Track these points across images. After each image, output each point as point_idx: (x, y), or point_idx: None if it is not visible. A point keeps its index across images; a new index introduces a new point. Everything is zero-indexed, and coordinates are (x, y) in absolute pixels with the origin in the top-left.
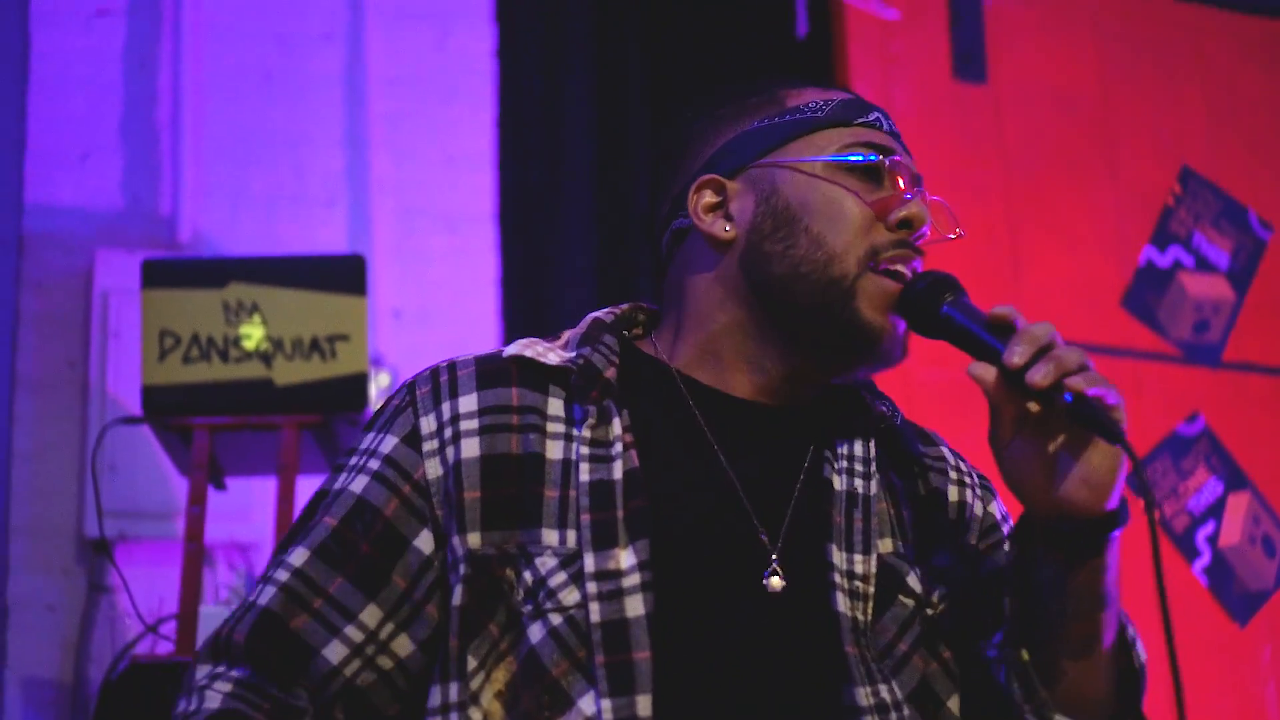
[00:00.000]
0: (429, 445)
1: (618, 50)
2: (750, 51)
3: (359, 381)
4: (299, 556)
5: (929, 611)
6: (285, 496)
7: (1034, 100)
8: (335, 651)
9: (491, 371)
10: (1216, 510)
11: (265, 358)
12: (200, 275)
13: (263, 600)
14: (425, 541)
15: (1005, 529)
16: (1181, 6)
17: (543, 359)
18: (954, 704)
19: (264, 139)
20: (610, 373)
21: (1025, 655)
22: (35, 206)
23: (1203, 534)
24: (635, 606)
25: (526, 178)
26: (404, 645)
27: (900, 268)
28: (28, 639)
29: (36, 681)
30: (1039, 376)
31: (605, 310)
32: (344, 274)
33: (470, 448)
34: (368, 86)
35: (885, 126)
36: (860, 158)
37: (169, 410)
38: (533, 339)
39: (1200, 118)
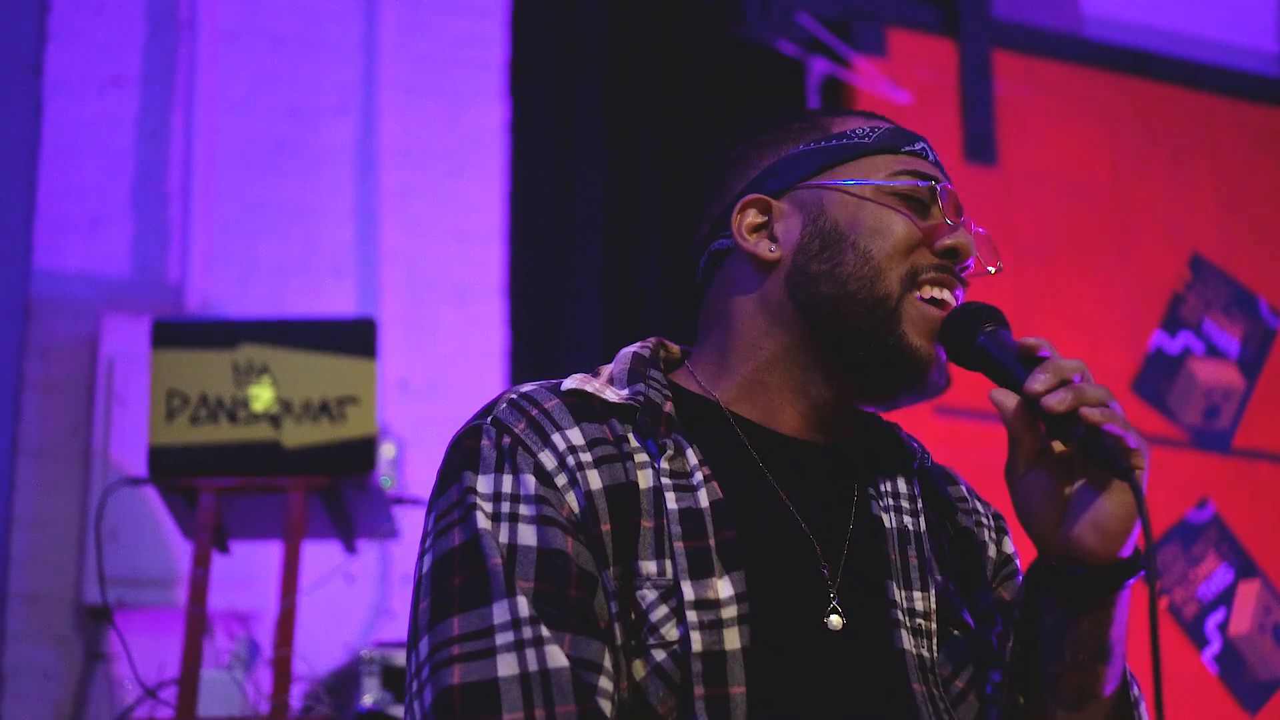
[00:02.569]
0: (560, 480)
1: (629, 128)
2: None
3: (368, 445)
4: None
5: (980, 648)
6: (291, 560)
7: (1045, 185)
8: (606, 707)
9: (580, 406)
10: (1227, 598)
11: (274, 419)
12: (210, 336)
13: (516, 671)
14: (604, 576)
15: (1015, 563)
16: (1193, 96)
17: (603, 394)
18: None
19: (274, 209)
20: (669, 407)
21: (1021, 700)
22: (43, 272)
23: (1213, 621)
24: (733, 640)
25: (536, 252)
26: (632, 678)
27: (943, 293)
28: (22, 708)
29: None
30: (1055, 401)
31: (638, 345)
32: (355, 337)
33: (594, 479)
34: (379, 160)
35: (931, 157)
36: (910, 183)
37: (175, 471)
38: (584, 376)
39: (1211, 206)
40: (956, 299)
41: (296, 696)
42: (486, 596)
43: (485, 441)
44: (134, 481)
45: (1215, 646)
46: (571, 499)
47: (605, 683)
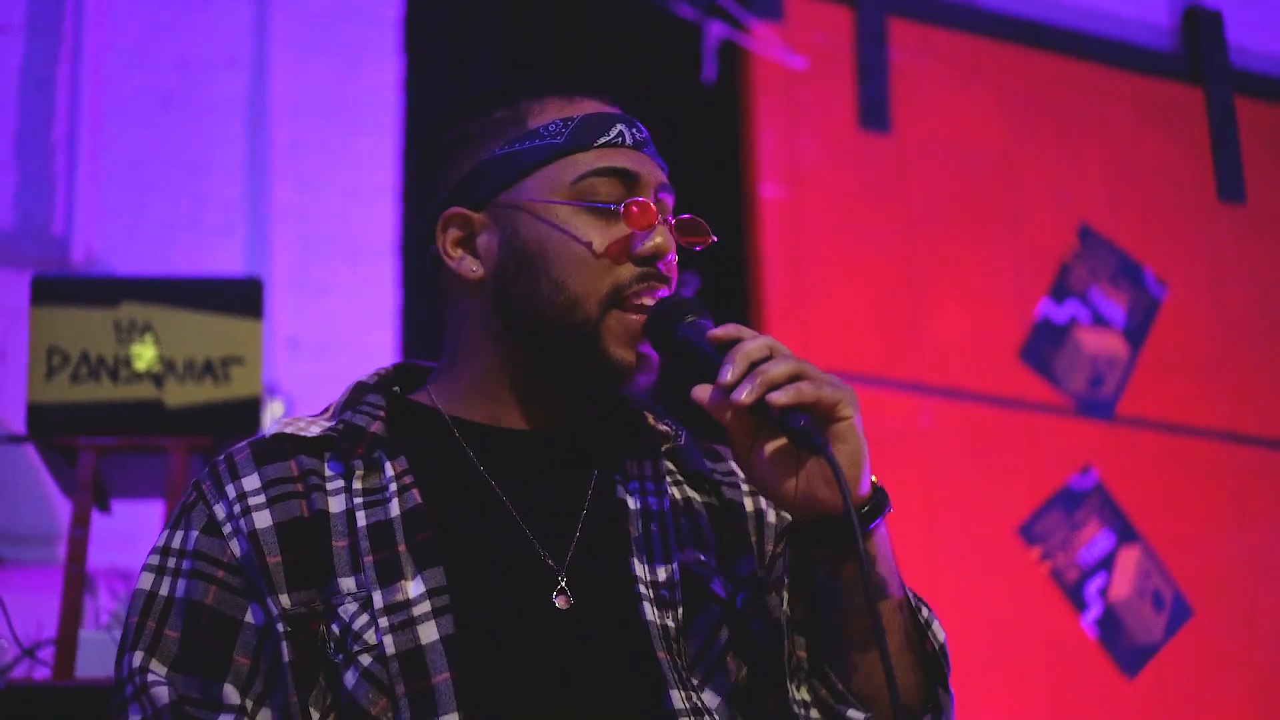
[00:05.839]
0: (227, 529)
1: None
2: (658, 94)
3: (252, 405)
4: (158, 668)
5: (736, 616)
6: None
7: (937, 154)
8: None
9: (266, 450)
10: (1107, 563)
11: (156, 379)
12: (92, 293)
13: (138, 716)
14: (253, 615)
15: None
16: (1082, 67)
17: (304, 433)
18: (773, 703)
19: (163, 162)
20: (375, 427)
21: (801, 654)
22: None
23: (1093, 586)
24: (429, 633)
25: None
26: (266, 716)
27: (646, 301)
28: None
29: None
30: (743, 394)
31: (369, 374)
32: (240, 296)
33: (262, 519)
34: (270, 114)
35: (629, 140)
36: (598, 205)
37: (54, 429)
38: (296, 417)
39: (1099, 177)
40: (661, 297)
41: None
42: (123, 651)
43: (183, 499)
44: (13, 439)
45: (1095, 611)
46: (234, 544)
47: (223, 717)
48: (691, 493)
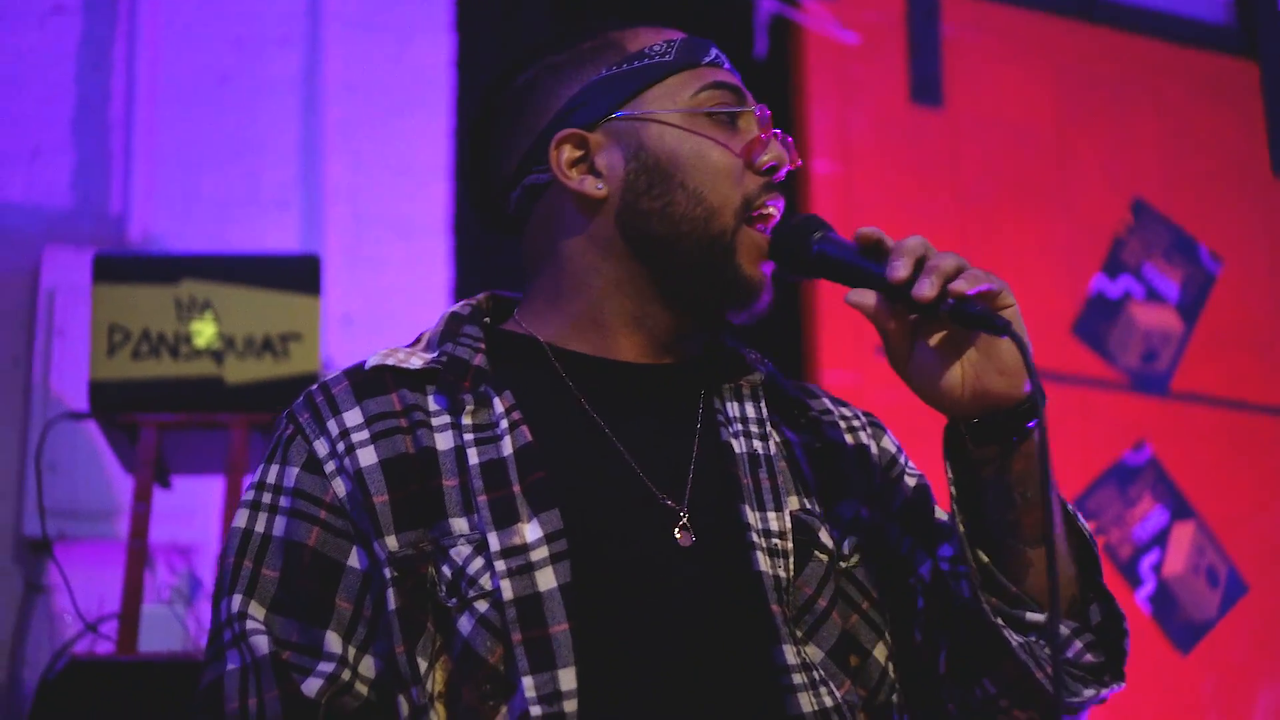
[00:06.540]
0: (330, 466)
1: None
2: None
3: (311, 381)
4: (256, 612)
5: (842, 565)
6: (232, 497)
7: (990, 128)
8: (311, 686)
9: (366, 383)
10: (1161, 539)
11: (216, 355)
12: (152, 271)
13: (236, 664)
14: (357, 559)
15: (902, 459)
16: (1138, 41)
17: (405, 364)
18: (880, 652)
19: (218, 142)
20: (479, 359)
21: (984, 558)
22: None
23: (1147, 562)
24: (547, 580)
25: None
26: (369, 665)
27: (770, 210)
28: None
29: None
30: (926, 289)
31: (461, 304)
32: (298, 273)
33: (367, 456)
34: (324, 93)
35: (726, 64)
36: (719, 107)
37: (116, 406)
38: (393, 348)
39: (1153, 151)
40: (779, 210)
41: None
42: (221, 594)
43: (279, 432)
44: (75, 416)
45: (1149, 587)
46: (338, 484)
47: (324, 666)
48: (791, 434)
